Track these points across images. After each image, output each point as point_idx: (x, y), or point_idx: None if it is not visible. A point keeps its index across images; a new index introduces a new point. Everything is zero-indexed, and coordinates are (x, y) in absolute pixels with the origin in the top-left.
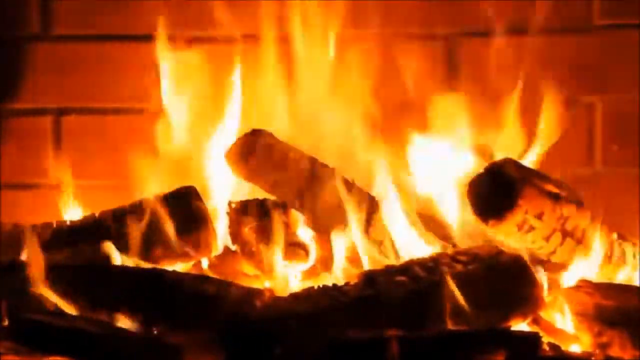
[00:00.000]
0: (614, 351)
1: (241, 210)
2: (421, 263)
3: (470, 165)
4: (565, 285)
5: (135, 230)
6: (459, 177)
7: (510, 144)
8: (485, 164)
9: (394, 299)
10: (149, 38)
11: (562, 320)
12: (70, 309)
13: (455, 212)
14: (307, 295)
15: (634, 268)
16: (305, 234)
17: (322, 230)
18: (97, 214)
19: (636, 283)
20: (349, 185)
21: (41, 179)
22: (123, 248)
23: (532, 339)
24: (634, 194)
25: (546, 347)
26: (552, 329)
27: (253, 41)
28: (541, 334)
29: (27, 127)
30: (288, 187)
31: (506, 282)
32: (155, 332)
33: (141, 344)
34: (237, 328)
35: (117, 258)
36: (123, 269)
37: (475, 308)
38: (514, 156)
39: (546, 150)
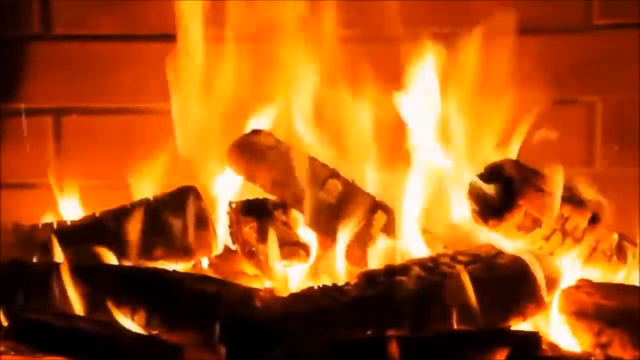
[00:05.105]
0: (614, 351)
1: (241, 210)
2: (421, 263)
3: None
4: (565, 285)
5: (136, 230)
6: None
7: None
8: (485, 164)
9: (393, 299)
10: (149, 38)
11: (562, 320)
12: (70, 309)
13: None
14: (307, 295)
15: (634, 268)
16: (305, 234)
17: (322, 230)
18: (97, 214)
19: (636, 283)
20: (349, 185)
21: (41, 179)
22: (123, 248)
23: (532, 339)
24: (634, 194)
25: (546, 347)
26: (552, 329)
27: (253, 41)
28: (541, 333)
29: (27, 127)
30: (288, 187)
31: (506, 282)
32: (155, 332)
33: (141, 344)
34: (237, 328)
35: (114, 261)
36: (123, 268)
37: (475, 308)
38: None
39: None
